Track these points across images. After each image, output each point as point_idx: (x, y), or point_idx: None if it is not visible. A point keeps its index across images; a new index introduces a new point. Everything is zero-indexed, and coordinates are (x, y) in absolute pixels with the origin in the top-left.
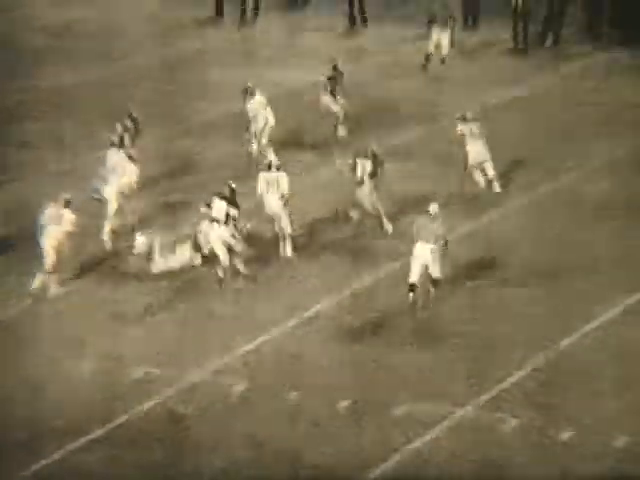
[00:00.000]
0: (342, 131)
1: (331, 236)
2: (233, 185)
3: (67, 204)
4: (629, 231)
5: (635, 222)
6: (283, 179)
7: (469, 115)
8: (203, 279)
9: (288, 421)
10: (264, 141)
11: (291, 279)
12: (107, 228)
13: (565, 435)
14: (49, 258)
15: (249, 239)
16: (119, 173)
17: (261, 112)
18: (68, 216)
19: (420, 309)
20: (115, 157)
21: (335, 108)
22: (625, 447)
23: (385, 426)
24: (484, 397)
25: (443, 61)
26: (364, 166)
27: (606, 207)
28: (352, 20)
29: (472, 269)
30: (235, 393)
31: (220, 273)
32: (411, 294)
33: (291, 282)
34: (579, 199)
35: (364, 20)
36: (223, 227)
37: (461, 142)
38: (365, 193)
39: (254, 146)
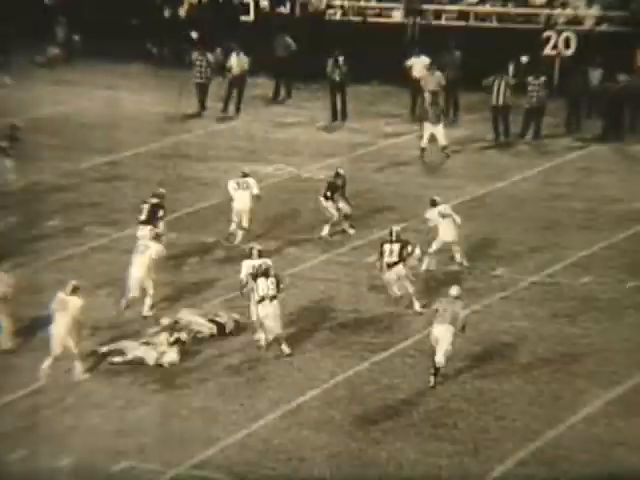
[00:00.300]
0: (349, 229)
1: (314, 328)
2: None
3: (75, 291)
4: (609, 326)
5: (615, 317)
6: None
7: (438, 199)
8: (183, 372)
9: None
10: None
11: (275, 372)
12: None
13: None
14: (57, 345)
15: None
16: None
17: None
18: (75, 302)
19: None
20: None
21: (331, 212)
22: None
23: None
24: None
25: (444, 149)
26: (392, 250)
27: (586, 302)
28: (334, 115)
29: (454, 361)
30: None
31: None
32: (432, 377)
33: (275, 375)
34: (559, 293)
35: (344, 115)
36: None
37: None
38: (394, 276)
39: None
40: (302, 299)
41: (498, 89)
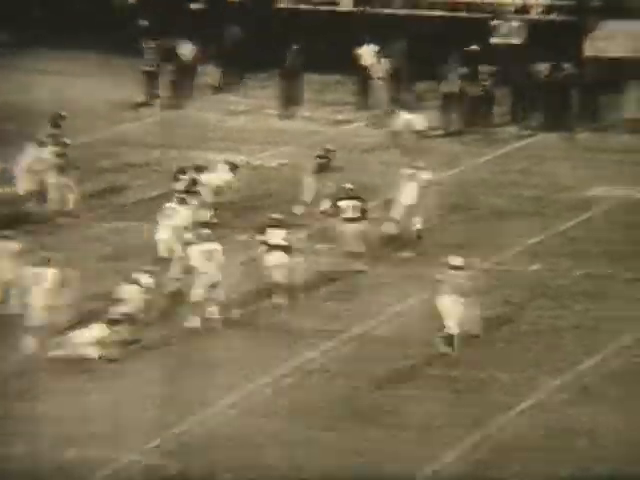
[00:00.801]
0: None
1: (265, 314)
2: None
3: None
4: (558, 313)
5: (564, 304)
6: (218, 250)
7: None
8: (133, 359)
9: None
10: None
11: (226, 359)
12: None
13: None
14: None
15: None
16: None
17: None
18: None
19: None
20: None
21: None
22: None
23: None
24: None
25: (426, 135)
26: (349, 207)
27: (536, 289)
28: (286, 103)
29: (404, 347)
30: (167, 475)
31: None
32: (450, 347)
33: (226, 362)
34: (509, 280)
35: (296, 102)
36: None
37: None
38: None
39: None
40: (253, 285)
41: (449, 77)
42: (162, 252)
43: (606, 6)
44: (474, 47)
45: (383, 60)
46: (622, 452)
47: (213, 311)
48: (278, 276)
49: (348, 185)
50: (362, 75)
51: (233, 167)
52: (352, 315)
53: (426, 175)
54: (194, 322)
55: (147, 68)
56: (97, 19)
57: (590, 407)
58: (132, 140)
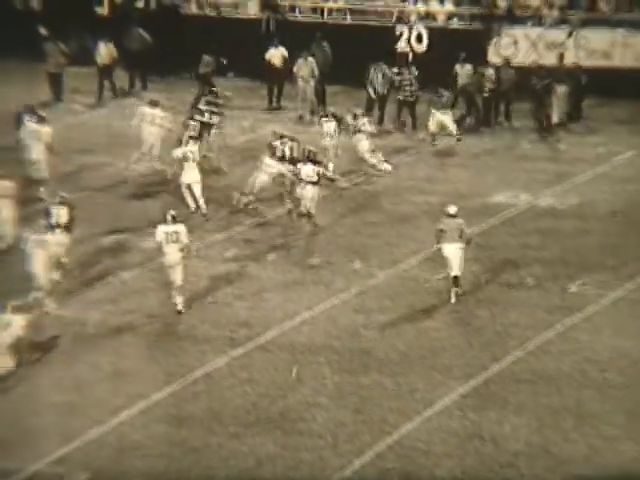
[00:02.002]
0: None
1: (174, 321)
2: None
3: (15, 310)
4: (465, 320)
5: (469, 311)
6: (182, 231)
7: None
8: (40, 367)
9: None
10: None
11: (133, 367)
12: None
13: None
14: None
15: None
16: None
17: None
18: (18, 321)
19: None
20: None
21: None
22: None
23: None
24: None
25: (459, 140)
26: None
27: (442, 295)
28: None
29: (312, 354)
30: None
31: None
32: (455, 289)
33: (133, 370)
34: (415, 287)
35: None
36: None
37: None
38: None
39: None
40: (161, 291)
41: (376, 80)
42: None
43: (509, 13)
44: (403, 50)
45: (309, 59)
46: (527, 457)
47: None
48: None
49: (309, 147)
50: (270, 78)
51: None
52: (260, 323)
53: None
54: None
55: (51, 69)
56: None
57: (496, 413)
58: None
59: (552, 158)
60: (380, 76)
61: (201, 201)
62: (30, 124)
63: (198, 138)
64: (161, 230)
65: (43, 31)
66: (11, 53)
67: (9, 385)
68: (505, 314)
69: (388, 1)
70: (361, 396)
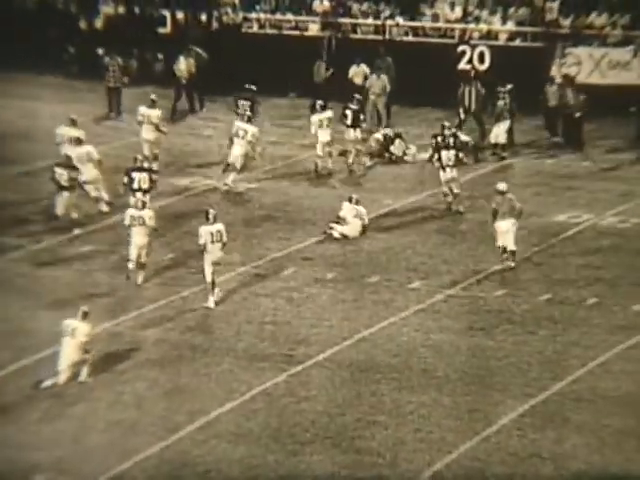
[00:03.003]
0: None
1: (232, 339)
2: None
3: (84, 316)
4: (523, 339)
5: (528, 330)
6: (223, 230)
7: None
8: (100, 384)
9: None
10: None
11: (192, 384)
12: None
13: None
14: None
15: None
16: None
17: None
18: (83, 328)
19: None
20: None
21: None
22: None
23: None
24: None
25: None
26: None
27: (501, 315)
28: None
29: (371, 372)
30: None
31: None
32: (509, 262)
33: (193, 387)
34: (474, 306)
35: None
36: None
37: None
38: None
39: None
40: (218, 309)
41: (469, 97)
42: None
43: (573, 32)
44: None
45: (382, 76)
46: (587, 477)
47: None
48: None
49: None
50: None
51: None
52: (319, 341)
53: None
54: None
55: (110, 84)
56: (64, 42)
57: (556, 432)
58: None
59: (614, 178)
60: (474, 94)
61: None
62: None
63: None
64: (205, 230)
65: (100, 51)
66: (79, 72)
67: (68, 402)
68: (566, 333)
69: (450, 20)
70: (420, 414)
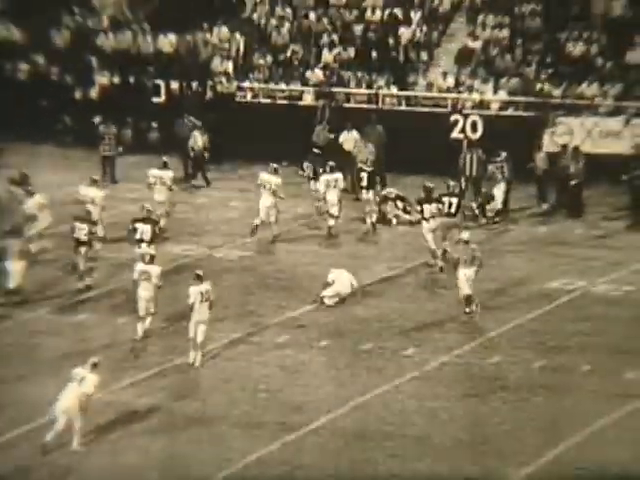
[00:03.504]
0: None
1: (226, 407)
2: None
3: (94, 367)
4: (518, 405)
5: (523, 397)
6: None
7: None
8: (92, 452)
9: None
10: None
11: (185, 452)
12: None
13: None
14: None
15: None
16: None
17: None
18: (92, 379)
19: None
20: None
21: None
22: None
23: None
24: None
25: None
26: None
27: (495, 381)
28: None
29: (365, 440)
30: None
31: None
32: (468, 308)
33: (186, 455)
34: (469, 373)
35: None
36: None
37: None
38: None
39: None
40: (213, 377)
41: (471, 163)
42: None
43: (563, 102)
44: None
45: (369, 145)
46: None
47: None
48: None
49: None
50: (346, 161)
51: None
52: (312, 409)
53: None
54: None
55: (104, 153)
56: (58, 112)
57: None
58: None
59: (607, 245)
60: (475, 159)
61: None
62: None
63: None
64: (194, 290)
65: (97, 119)
66: (73, 141)
67: (58, 474)
68: (560, 400)
69: (443, 89)
70: None
